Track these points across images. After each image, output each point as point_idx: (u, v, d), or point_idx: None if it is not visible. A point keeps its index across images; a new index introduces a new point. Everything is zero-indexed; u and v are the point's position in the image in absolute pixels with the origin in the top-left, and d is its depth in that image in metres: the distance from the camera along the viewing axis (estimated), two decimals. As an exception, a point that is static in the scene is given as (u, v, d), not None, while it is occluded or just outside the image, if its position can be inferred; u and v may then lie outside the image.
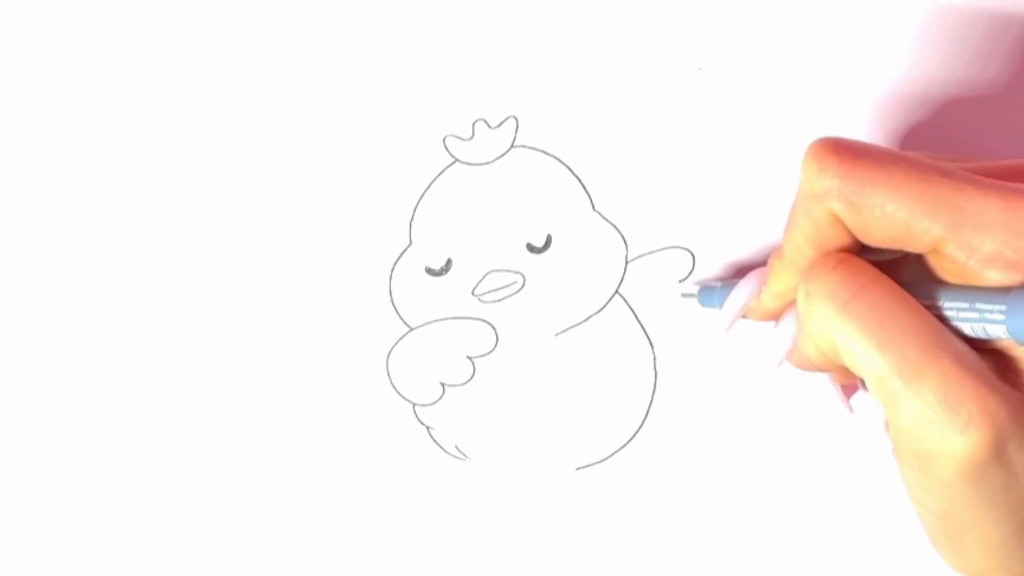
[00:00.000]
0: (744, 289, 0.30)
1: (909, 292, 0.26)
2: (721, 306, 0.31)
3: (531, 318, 0.34)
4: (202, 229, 0.34)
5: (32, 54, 0.34)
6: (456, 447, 0.35)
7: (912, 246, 0.25)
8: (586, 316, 0.34)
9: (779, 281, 0.29)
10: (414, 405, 0.34)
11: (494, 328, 0.34)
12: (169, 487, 0.34)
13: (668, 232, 0.34)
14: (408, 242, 0.34)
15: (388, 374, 0.34)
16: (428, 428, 0.35)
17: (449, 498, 0.35)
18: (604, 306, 0.34)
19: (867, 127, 0.34)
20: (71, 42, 0.34)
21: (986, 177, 0.26)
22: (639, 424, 0.35)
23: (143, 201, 0.34)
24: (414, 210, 0.34)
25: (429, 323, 0.34)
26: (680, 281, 0.34)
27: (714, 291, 0.33)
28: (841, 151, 0.26)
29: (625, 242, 0.34)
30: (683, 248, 0.34)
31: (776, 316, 0.29)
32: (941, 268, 0.26)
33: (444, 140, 0.34)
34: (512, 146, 0.34)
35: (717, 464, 0.35)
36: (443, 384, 0.34)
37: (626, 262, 0.34)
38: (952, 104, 0.34)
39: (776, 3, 0.34)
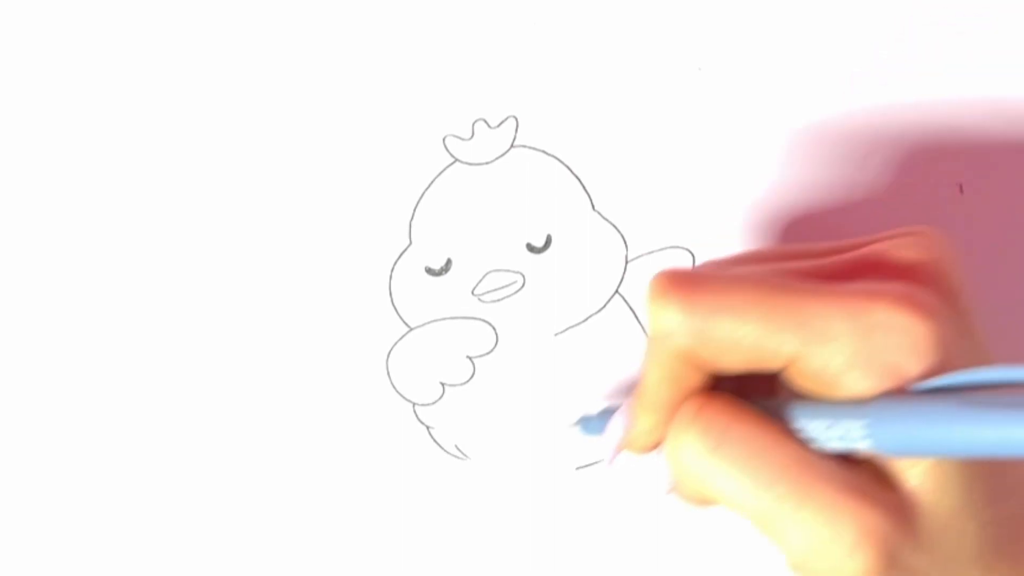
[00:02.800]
0: (614, 428, 0.29)
1: (774, 417, 0.26)
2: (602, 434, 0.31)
3: (531, 318, 0.34)
4: (202, 229, 0.34)
5: (32, 54, 0.34)
6: (456, 447, 0.35)
7: (766, 367, 0.25)
8: (586, 316, 0.34)
9: (643, 420, 0.28)
10: (414, 405, 0.34)
11: (494, 328, 0.34)
12: (169, 487, 0.34)
13: (668, 232, 0.34)
14: (408, 242, 0.34)
15: (388, 374, 0.34)
16: (428, 428, 0.35)
17: (449, 498, 0.35)
18: (604, 306, 0.34)
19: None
20: (71, 42, 0.34)
21: (830, 280, 0.25)
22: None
23: (143, 201, 0.34)
24: (414, 210, 0.34)
25: (429, 323, 0.34)
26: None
27: (592, 421, 0.32)
28: (682, 285, 0.25)
29: (625, 242, 0.34)
30: (683, 248, 0.34)
31: (652, 448, 0.29)
32: (800, 382, 0.25)
33: (444, 140, 0.34)
34: (512, 146, 0.34)
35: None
36: (443, 384, 0.34)
37: (626, 262, 0.34)
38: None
39: (776, 3, 0.34)
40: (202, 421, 0.34)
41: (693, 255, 0.34)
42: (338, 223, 0.34)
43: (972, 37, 0.35)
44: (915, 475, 0.25)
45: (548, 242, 0.34)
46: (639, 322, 0.34)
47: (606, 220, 0.34)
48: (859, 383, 0.24)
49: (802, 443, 0.25)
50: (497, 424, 0.35)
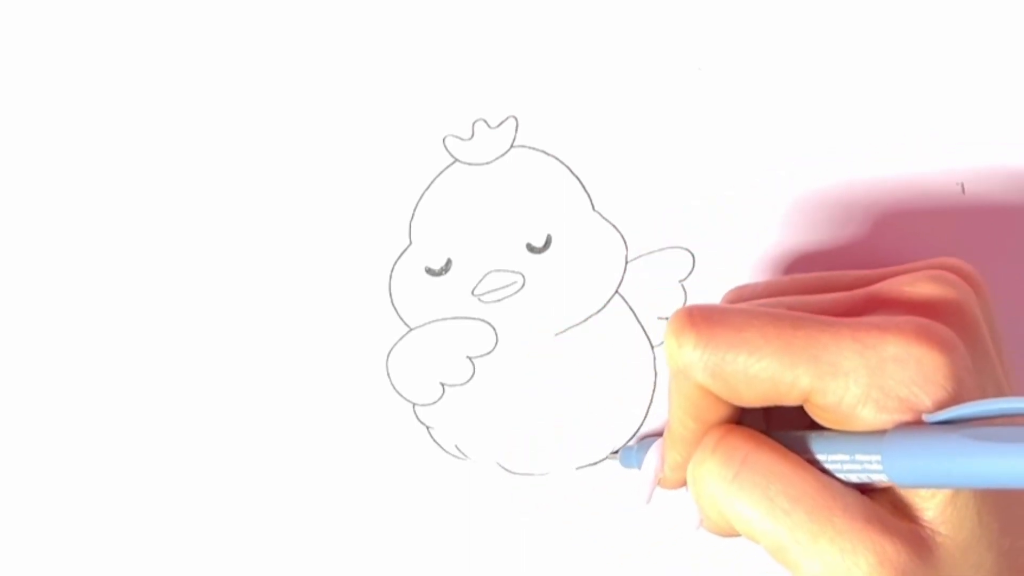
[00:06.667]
0: (649, 463, 0.30)
1: (793, 449, 0.26)
2: (639, 467, 0.32)
3: (531, 318, 0.34)
4: (202, 229, 0.34)
5: (32, 54, 0.34)
6: (456, 447, 0.35)
7: (784, 401, 0.26)
8: (586, 316, 0.34)
9: (674, 454, 0.29)
10: (414, 405, 0.34)
11: (494, 328, 0.34)
12: (169, 487, 0.34)
13: (668, 232, 0.34)
14: (408, 242, 0.34)
15: (388, 374, 0.34)
16: (428, 428, 0.35)
17: (449, 498, 0.35)
18: (604, 306, 0.34)
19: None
20: (71, 42, 0.34)
21: (846, 314, 0.26)
22: (639, 424, 0.35)
23: (143, 201, 0.34)
24: (414, 210, 0.34)
25: (429, 323, 0.34)
26: (680, 281, 0.34)
27: (631, 453, 0.33)
28: (698, 321, 0.26)
29: (625, 242, 0.34)
30: (683, 248, 0.34)
31: (684, 484, 0.29)
32: (818, 415, 0.26)
33: (444, 140, 0.34)
34: (512, 146, 0.34)
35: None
36: (443, 384, 0.34)
37: (626, 262, 0.34)
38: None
39: (776, 3, 0.34)
40: (203, 421, 0.34)
41: (693, 255, 0.34)
42: (338, 223, 0.34)
43: (972, 37, 0.35)
44: (932, 506, 0.25)
45: (548, 242, 0.34)
46: (639, 322, 0.34)
47: (606, 220, 0.34)
48: (874, 416, 0.24)
49: (821, 473, 0.26)
50: (497, 424, 0.35)
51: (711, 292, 0.34)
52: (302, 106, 0.34)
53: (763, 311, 0.26)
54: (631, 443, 0.34)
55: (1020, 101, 0.35)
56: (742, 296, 0.31)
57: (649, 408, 0.35)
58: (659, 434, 0.32)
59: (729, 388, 0.26)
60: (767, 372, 0.25)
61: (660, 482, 0.30)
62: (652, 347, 0.34)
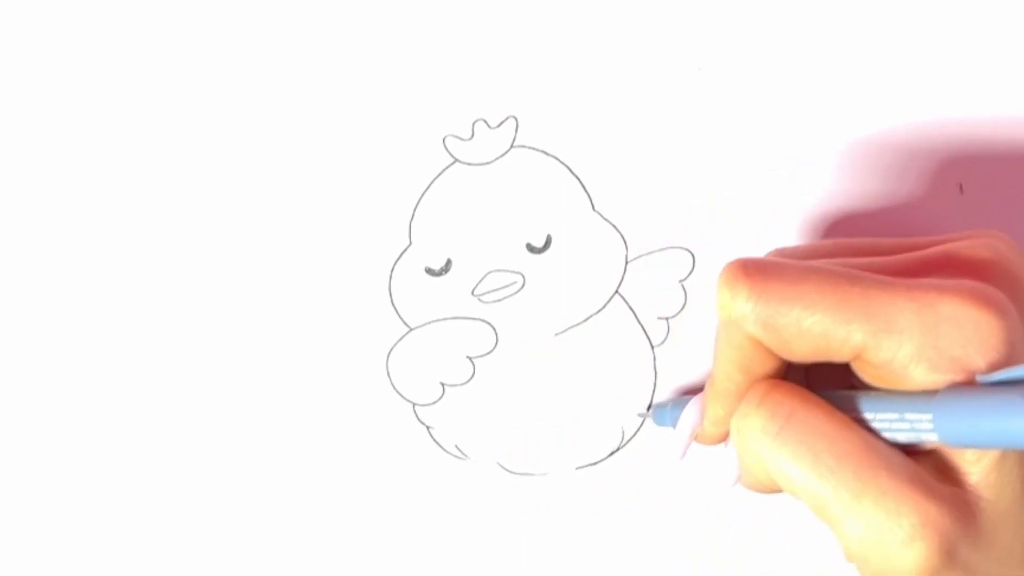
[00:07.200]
0: (688, 417, 0.30)
1: (839, 407, 0.26)
2: (674, 425, 0.31)
3: (531, 318, 0.34)
4: (202, 229, 0.34)
5: (32, 54, 0.34)
6: (456, 447, 0.35)
7: (834, 357, 0.26)
8: (586, 316, 0.34)
9: (716, 407, 0.29)
10: (414, 405, 0.34)
11: (494, 328, 0.34)
12: (169, 487, 0.34)
13: (668, 232, 0.34)
14: (408, 242, 0.34)
15: (388, 374, 0.34)
16: (428, 428, 0.35)
17: (449, 498, 0.35)
18: (604, 306, 0.34)
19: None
20: (71, 42, 0.34)
21: (900, 275, 0.26)
22: (639, 424, 0.35)
23: (143, 201, 0.34)
24: (414, 210, 0.34)
25: (429, 323, 0.34)
26: (680, 281, 0.34)
27: (665, 410, 0.33)
28: (752, 273, 0.26)
29: (625, 242, 0.34)
30: (683, 248, 0.34)
31: (723, 439, 0.29)
32: (867, 373, 0.26)
33: (444, 140, 0.34)
34: (512, 146, 0.34)
35: (716, 463, 0.35)
36: (443, 384, 0.34)
37: (626, 262, 0.34)
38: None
39: (776, 3, 0.34)
40: (203, 421, 0.34)
41: (693, 255, 0.34)
42: (338, 223, 0.34)
43: (972, 36, 0.35)
44: (977, 471, 0.25)
45: (548, 242, 0.34)
46: (639, 322, 0.34)
47: (606, 220, 0.34)
48: (926, 376, 0.24)
49: (867, 432, 0.25)
50: (497, 424, 0.35)
51: (711, 292, 0.34)
52: (302, 106, 0.34)
53: (818, 266, 0.26)
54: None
55: (1020, 101, 0.35)
56: (784, 256, 0.31)
57: (649, 408, 0.35)
58: (695, 392, 0.31)
59: (781, 341, 0.26)
60: (820, 326, 0.25)
61: (698, 437, 0.30)
62: (652, 347, 0.34)
